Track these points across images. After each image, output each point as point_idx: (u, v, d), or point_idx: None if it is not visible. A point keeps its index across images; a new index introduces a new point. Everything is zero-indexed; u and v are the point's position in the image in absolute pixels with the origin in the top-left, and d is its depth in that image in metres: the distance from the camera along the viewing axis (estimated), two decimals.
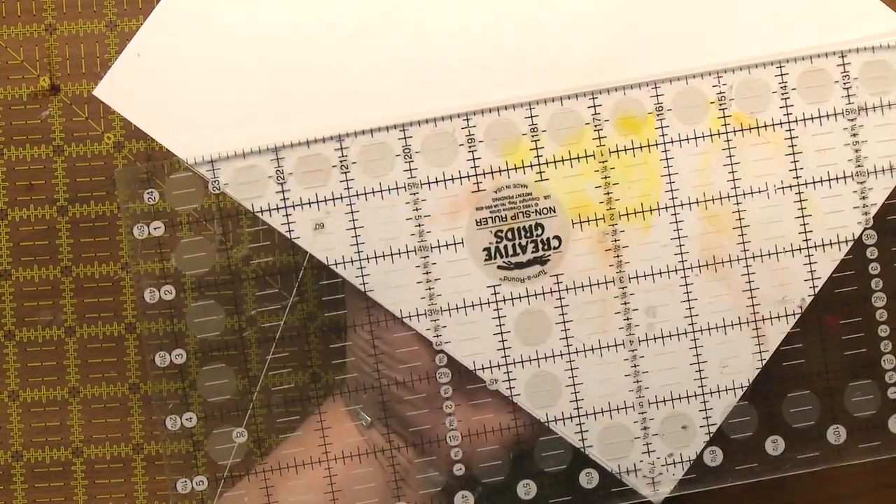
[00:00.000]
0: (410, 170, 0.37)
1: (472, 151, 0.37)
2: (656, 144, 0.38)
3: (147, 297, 0.38)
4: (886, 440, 0.38)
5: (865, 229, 0.38)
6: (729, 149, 0.38)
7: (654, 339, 0.38)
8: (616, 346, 0.38)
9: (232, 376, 0.39)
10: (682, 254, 0.38)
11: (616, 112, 0.38)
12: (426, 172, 0.37)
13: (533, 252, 0.37)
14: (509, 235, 0.37)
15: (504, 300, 0.37)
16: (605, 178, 0.38)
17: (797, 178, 0.38)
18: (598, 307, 0.38)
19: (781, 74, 0.38)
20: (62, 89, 0.46)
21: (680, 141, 0.38)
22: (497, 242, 0.37)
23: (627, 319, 0.38)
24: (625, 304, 0.38)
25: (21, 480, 0.46)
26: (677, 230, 0.38)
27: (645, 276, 0.38)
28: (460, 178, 0.37)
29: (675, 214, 0.38)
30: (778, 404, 0.38)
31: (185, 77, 0.38)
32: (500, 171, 0.37)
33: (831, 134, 0.38)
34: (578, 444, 0.38)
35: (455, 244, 0.37)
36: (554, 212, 0.37)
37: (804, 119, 0.38)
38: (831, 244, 0.38)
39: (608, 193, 0.38)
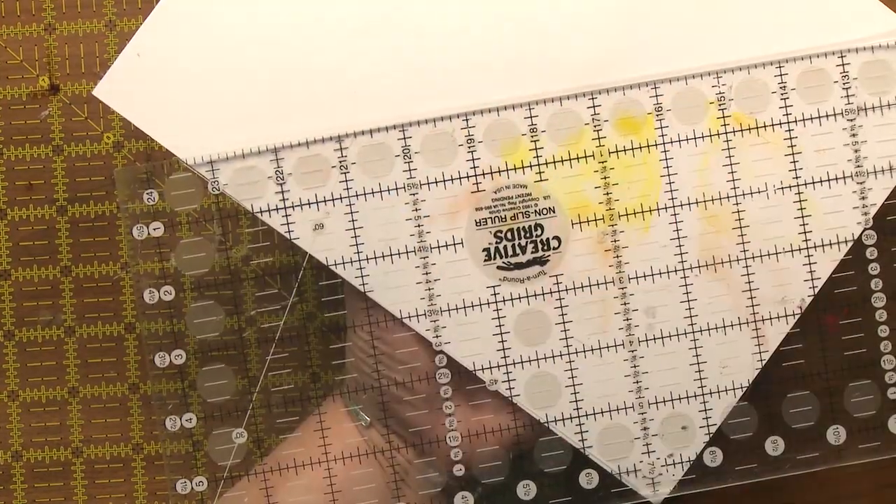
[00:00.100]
0: (410, 170, 0.37)
1: (472, 152, 0.37)
2: (656, 145, 0.38)
3: (147, 297, 0.38)
4: (886, 440, 0.38)
5: (865, 229, 0.38)
6: (728, 149, 0.38)
7: (654, 339, 0.38)
8: (616, 346, 0.38)
9: (231, 377, 0.38)
10: (681, 254, 0.38)
11: (615, 112, 0.38)
12: (426, 173, 0.37)
13: (532, 252, 0.37)
14: (509, 236, 0.37)
15: (504, 301, 0.37)
16: (605, 178, 0.38)
17: (797, 178, 0.38)
18: (597, 307, 0.38)
19: (781, 74, 0.38)
20: (62, 89, 0.46)
21: (679, 141, 0.38)
22: (497, 243, 0.37)
23: (627, 320, 0.38)
24: (624, 304, 0.38)
25: (21, 480, 0.46)
26: (677, 230, 0.38)
27: (644, 276, 0.38)
28: (460, 178, 0.37)
29: (675, 215, 0.38)
30: (778, 405, 0.38)
31: (184, 77, 0.38)
32: (499, 172, 0.37)
33: (831, 134, 0.38)
34: (578, 444, 0.38)
35: (455, 245, 0.37)
36: (553, 212, 0.37)
37: (804, 119, 0.38)
38: (831, 244, 0.38)
39: (608, 194, 0.38)
